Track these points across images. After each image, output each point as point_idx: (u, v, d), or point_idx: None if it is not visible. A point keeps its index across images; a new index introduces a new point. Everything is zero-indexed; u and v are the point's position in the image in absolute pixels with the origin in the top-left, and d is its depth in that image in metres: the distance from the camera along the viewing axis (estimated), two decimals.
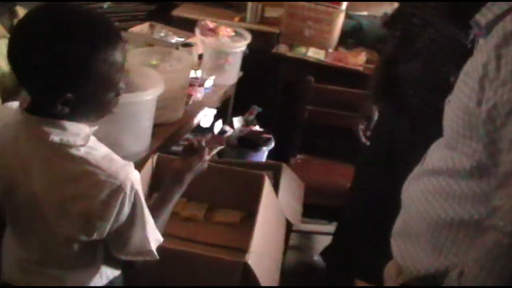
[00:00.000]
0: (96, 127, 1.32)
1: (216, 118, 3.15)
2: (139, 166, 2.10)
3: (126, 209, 1.26)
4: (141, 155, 2.23)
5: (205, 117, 2.92)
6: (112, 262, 1.41)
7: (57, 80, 1.18)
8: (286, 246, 2.84)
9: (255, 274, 1.65)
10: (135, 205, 1.28)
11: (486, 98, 1.11)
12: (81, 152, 1.24)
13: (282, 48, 3.53)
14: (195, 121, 2.79)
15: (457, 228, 1.23)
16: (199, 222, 2.12)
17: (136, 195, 1.27)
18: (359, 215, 2.52)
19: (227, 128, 3.20)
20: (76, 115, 1.25)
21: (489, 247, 1.07)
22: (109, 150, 1.32)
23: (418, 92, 2.21)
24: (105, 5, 3.66)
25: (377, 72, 2.49)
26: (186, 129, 2.74)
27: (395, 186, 1.55)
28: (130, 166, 1.28)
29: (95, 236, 1.28)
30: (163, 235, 1.89)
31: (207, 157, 1.71)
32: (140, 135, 2.24)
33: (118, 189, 1.22)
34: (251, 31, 3.22)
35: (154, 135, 2.41)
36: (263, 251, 1.79)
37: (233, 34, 3.12)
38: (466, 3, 1.77)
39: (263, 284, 1.69)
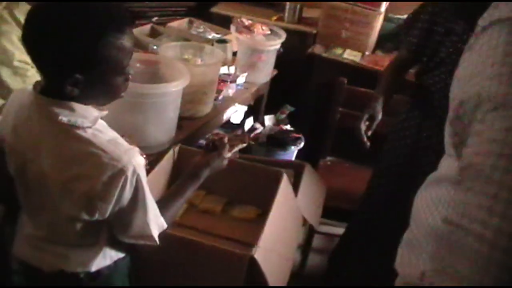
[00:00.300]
0: (106, 112, 1.36)
1: (248, 115, 3.17)
2: (161, 155, 2.15)
3: (128, 192, 1.29)
4: (165, 146, 2.26)
5: (235, 113, 2.94)
6: (115, 243, 1.44)
7: (66, 61, 1.22)
8: (308, 248, 2.85)
9: (262, 269, 1.64)
10: (137, 189, 1.31)
11: (453, 96, 1.07)
12: (88, 134, 1.28)
13: (318, 49, 3.51)
14: (225, 116, 2.80)
15: None
16: (216, 216, 2.13)
17: (138, 179, 1.30)
18: (370, 220, 2.49)
19: (258, 125, 3.22)
20: (85, 97, 1.29)
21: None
22: (117, 135, 1.36)
23: (443, 103, 2.17)
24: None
25: (389, 74, 2.44)
26: (215, 123, 2.77)
27: (410, 192, 1.53)
28: (134, 151, 1.31)
29: (96, 217, 1.31)
30: (179, 224, 1.94)
31: (227, 155, 1.75)
32: (165, 126, 2.27)
33: (120, 172, 1.25)
34: (289, 30, 3.23)
35: (181, 127, 2.44)
36: (273, 247, 1.79)
37: (268, 32, 3.14)
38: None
39: (269, 280, 1.68)
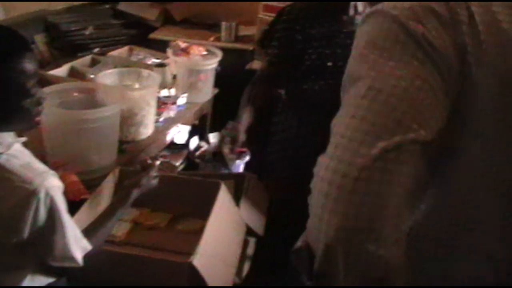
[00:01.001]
0: (24, 139, 1.40)
1: (192, 134, 3.23)
2: (101, 179, 2.20)
3: (42, 214, 1.33)
4: (108, 170, 2.30)
5: (179, 133, 3.01)
6: (43, 268, 1.45)
7: None
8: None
9: (201, 274, 1.70)
10: (52, 211, 1.35)
11: None
12: (1, 159, 1.32)
13: (256, 64, 3.62)
14: (168, 137, 2.87)
15: None
16: (162, 231, 2.18)
17: (52, 201, 1.34)
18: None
19: (203, 143, 3.28)
20: None
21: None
22: (34, 160, 1.40)
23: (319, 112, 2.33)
24: (87, 31, 3.77)
25: (252, 87, 2.54)
26: (158, 145, 2.83)
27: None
28: (49, 174, 1.36)
29: (14, 240, 1.34)
30: (125, 243, 1.99)
31: (154, 174, 1.83)
32: (105, 150, 2.33)
33: (31, 194, 1.30)
34: (226, 49, 3.32)
35: (124, 151, 2.50)
36: (213, 254, 1.85)
37: (205, 52, 3.22)
38: None
39: (211, 285, 1.74)
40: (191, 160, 3.21)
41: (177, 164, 3.14)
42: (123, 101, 2.27)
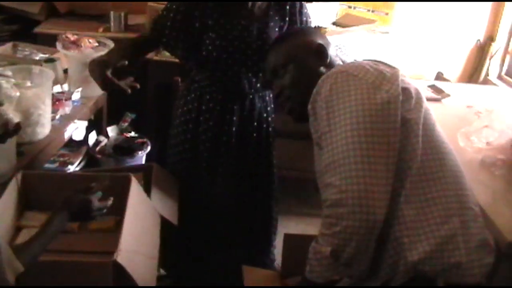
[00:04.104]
0: None
1: (90, 129, 3.15)
2: (4, 186, 2.10)
3: None
4: (8, 175, 2.20)
5: (76, 130, 2.92)
6: None
7: None
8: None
9: (127, 271, 1.68)
10: None
11: None
12: None
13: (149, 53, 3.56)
14: (66, 135, 2.77)
15: None
16: (74, 233, 2.11)
17: None
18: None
19: (102, 138, 3.21)
20: None
21: None
22: None
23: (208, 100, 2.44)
24: None
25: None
26: (57, 144, 2.72)
27: None
28: None
29: None
30: None
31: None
32: (3, 156, 2.21)
33: None
34: (117, 39, 3.24)
35: (22, 153, 2.39)
36: (135, 248, 1.83)
37: (96, 44, 3.13)
38: None
39: (138, 280, 1.73)
40: (92, 156, 3.14)
41: (77, 161, 3.06)
42: (18, 100, 2.16)
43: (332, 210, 1.44)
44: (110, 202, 1.79)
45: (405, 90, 1.55)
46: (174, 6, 2.31)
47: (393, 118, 1.49)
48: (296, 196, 3.80)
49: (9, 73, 2.46)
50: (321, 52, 1.85)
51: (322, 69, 1.81)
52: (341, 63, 1.89)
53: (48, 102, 2.56)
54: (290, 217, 3.53)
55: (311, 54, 1.85)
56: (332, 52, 1.89)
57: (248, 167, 2.51)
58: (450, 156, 1.60)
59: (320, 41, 1.89)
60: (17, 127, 1.61)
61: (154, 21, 2.43)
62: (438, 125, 1.66)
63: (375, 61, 1.68)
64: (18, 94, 2.25)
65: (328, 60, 1.85)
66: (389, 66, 1.66)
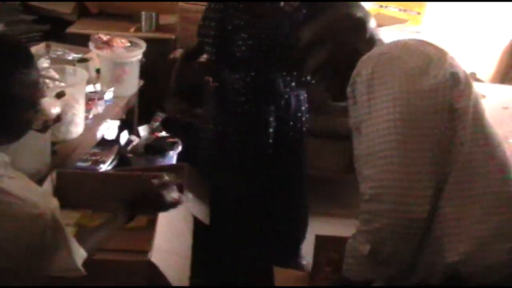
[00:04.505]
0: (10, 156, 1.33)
1: (122, 129, 3.17)
2: (39, 184, 2.12)
3: (48, 236, 1.28)
4: (42, 173, 2.22)
5: (108, 129, 2.94)
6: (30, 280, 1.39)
7: None
8: None
9: (161, 271, 1.69)
10: (57, 232, 1.31)
11: None
12: (1, 182, 1.25)
13: (179, 53, 3.58)
14: (98, 134, 2.80)
15: None
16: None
17: (56, 222, 1.30)
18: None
19: (133, 137, 3.23)
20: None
21: None
22: (28, 179, 1.36)
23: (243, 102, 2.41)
24: None
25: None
26: (89, 143, 2.75)
27: None
28: (49, 195, 1.33)
29: (15, 264, 1.28)
30: None
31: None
32: (38, 154, 2.24)
33: (38, 218, 1.25)
34: (148, 39, 3.26)
35: (56, 152, 2.41)
36: (168, 248, 1.84)
37: (128, 44, 3.15)
38: None
39: (171, 280, 1.74)
40: (123, 155, 3.16)
41: (109, 161, 3.09)
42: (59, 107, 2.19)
43: (370, 206, 1.37)
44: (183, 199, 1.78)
45: (454, 75, 1.43)
46: (206, 14, 2.37)
47: (439, 107, 1.38)
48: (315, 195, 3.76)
49: (54, 73, 2.50)
50: (360, 26, 1.66)
51: (361, 44, 1.64)
52: (381, 38, 1.71)
53: (82, 102, 2.59)
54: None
55: (350, 28, 1.66)
56: (372, 25, 1.70)
57: (282, 167, 2.51)
58: (499, 149, 1.47)
59: (359, 14, 1.69)
60: (58, 119, 1.62)
61: (198, 33, 2.50)
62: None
63: (420, 40, 1.56)
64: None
65: (368, 35, 1.66)
66: (436, 47, 1.53)
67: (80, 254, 1.41)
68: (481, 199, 1.40)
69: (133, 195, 1.70)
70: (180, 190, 1.78)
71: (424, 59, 1.44)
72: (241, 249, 2.62)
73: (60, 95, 2.06)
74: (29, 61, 1.28)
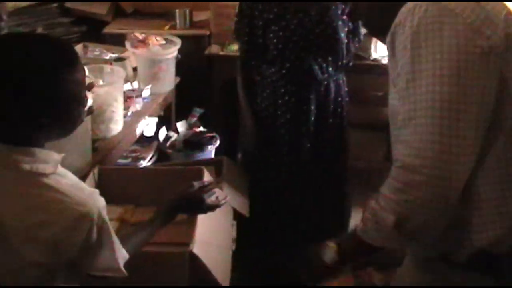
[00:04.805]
0: (63, 154, 1.34)
1: (160, 125, 3.21)
2: (82, 179, 2.16)
3: (94, 235, 1.30)
4: (84, 170, 2.27)
5: (147, 126, 2.98)
6: (72, 279, 1.41)
7: (29, 108, 1.24)
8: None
9: (203, 262, 1.71)
10: (102, 230, 1.32)
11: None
12: (50, 180, 1.27)
13: (214, 49, 3.61)
14: (137, 131, 2.84)
15: None
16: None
17: (103, 221, 1.31)
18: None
19: (172, 133, 3.27)
20: (47, 138, 1.31)
21: None
22: (77, 178, 1.37)
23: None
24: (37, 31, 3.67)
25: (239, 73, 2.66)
26: (129, 140, 2.79)
27: None
28: (97, 194, 1.34)
29: (62, 261, 1.30)
30: None
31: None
32: (79, 151, 2.29)
33: (85, 216, 1.26)
34: (183, 36, 3.30)
35: (97, 149, 2.46)
36: (209, 240, 1.86)
37: (163, 42, 3.19)
38: None
39: (213, 271, 1.75)
40: (162, 151, 3.20)
41: (149, 157, 3.13)
42: (91, 99, 2.22)
43: (404, 174, 1.25)
44: (222, 202, 1.81)
45: (509, 37, 1.26)
46: (238, 12, 2.44)
47: (491, 74, 1.23)
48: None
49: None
50: None
51: None
52: None
53: (120, 99, 2.63)
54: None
55: None
56: None
57: (324, 157, 2.51)
58: None
59: None
60: (90, 111, 1.65)
61: (234, 31, 2.58)
62: None
63: None
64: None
65: None
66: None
67: (122, 254, 1.43)
68: None
69: (174, 198, 1.72)
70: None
71: (479, 13, 1.25)
72: (283, 241, 2.62)
73: (89, 87, 2.09)
74: (75, 59, 1.30)
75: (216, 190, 1.80)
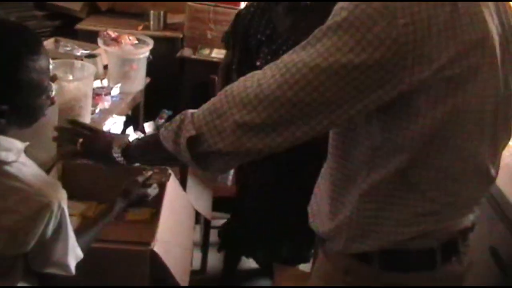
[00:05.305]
0: (27, 143, 1.33)
1: (127, 125, 3.20)
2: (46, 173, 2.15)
3: (52, 226, 1.29)
4: (49, 164, 2.26)
5: (114, 124, 2.97)
6: (30, 274, 1.39)
7: None
8: (207, 245, 2.93)
9: (163, 261, 1.72)
10: (60, 223, 1.31)
11: None
12: (13, 168, 1.26)
13: (186, 51, 3.63)
14: (104, 129, 2.83)
15: None
16: (111, 222, 2.15)
17: (62, 213, 1.30)
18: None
19: (139, 133, 3.26)
20: (8, 126, 1.28)
21: None
22: (39, 169, 1.36)
23: None
24: None
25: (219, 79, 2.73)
26: None
27: None
28: (58, 185, 1.33)
29: (19, 251, 1.29)
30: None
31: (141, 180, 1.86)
32: (45, 145, 2.27)
33: (46, 207, 1.25)
34: (156, 38, 3.30)
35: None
36: (171, 240, 1.87)
37: (136, 41, 3.19)
38: None
39: (172, 270, 1.77)
40: None
41: None
42: (59, 93, 2.21)
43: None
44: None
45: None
46: (234, 23, 2.48)
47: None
48: None
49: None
50: None
51: None
52: None
53: (89, 96, 2.62)
54: None
55: None
56: None
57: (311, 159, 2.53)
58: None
59: None
60: (52, 101, 1.62)
61: (223, 38, 2.61)
62: None
63: None
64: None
65: None
66: None
67: (76, 254, 1.42)
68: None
69: (124, 190, 1.78)
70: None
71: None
72: (269, 241, 2.62)
73: (53, 78, 2.08)
74: (38, 46, 1.28)
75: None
